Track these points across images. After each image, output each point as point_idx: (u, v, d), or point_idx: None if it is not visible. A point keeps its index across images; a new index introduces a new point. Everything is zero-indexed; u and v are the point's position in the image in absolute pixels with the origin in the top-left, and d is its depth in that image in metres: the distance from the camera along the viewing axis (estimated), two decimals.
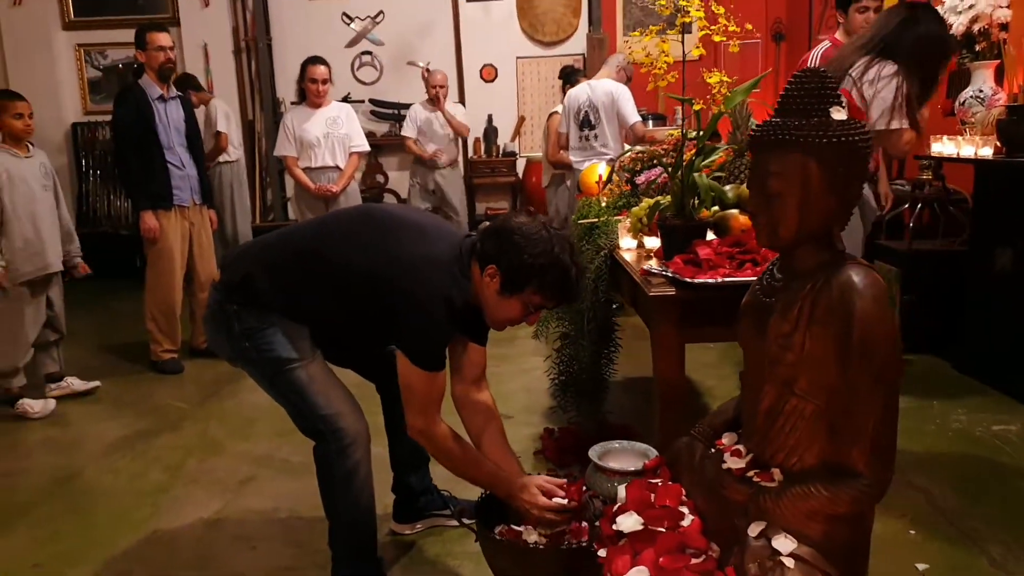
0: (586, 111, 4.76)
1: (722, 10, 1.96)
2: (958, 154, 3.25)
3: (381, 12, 7.07)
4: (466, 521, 1.93)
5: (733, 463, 1.13)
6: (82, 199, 6.87)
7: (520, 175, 7.11)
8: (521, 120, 7.19)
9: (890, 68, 2.58)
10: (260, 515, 2.55)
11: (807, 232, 1.04)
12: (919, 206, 3.99)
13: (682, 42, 2.07)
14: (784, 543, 0.99)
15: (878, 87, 2.57)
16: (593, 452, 1.61)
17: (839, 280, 1.00)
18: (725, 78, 1.98)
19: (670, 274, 1.73)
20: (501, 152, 7.14)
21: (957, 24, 3.29)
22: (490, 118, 7.09)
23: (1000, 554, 2.14)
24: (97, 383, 3.88)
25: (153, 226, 3.95)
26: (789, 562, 0.97)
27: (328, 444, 1.89)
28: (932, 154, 3.47)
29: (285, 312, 1.87)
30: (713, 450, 1.22)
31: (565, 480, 1.76)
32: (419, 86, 6.85)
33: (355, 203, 4.71)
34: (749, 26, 2.13)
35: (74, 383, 3.82)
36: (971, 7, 3.22)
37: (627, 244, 2.25)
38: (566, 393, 2.65)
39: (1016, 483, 2.57)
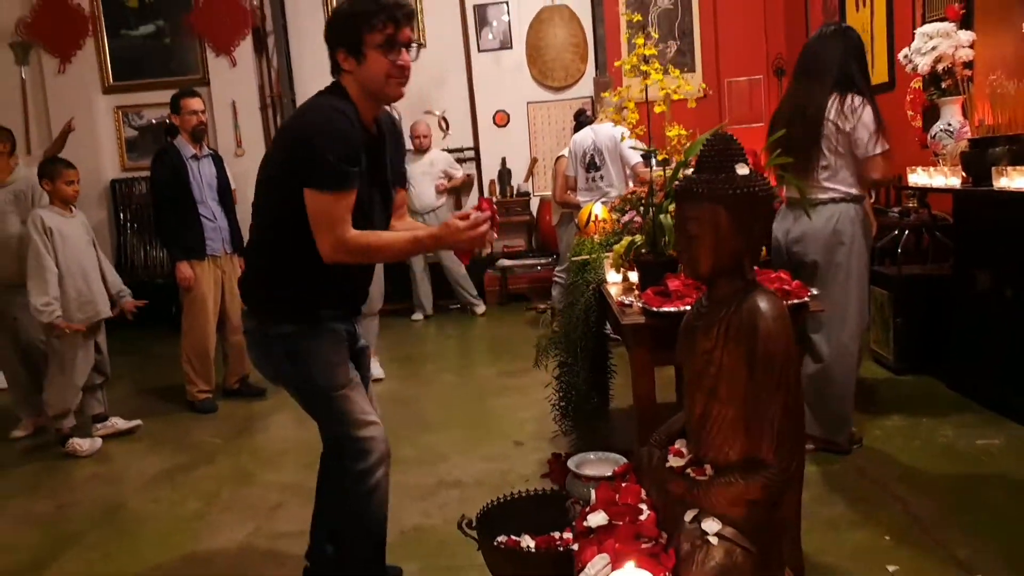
0: (591, 154, 5.03)
1: (677, 72, 2.18)
2: (931, 185, 3.46)
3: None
4: (469, 532, 2.14)
5: (675, 462, 1.35)
6: (120, 250, 7.24)
7: (534, 214, 7.38)
8: (534, 161, 7.49)
9: (857, 99, 2.86)
10: (288, 537, 2.78)
11: (721, 266, 1.27)
12: (907, 232, 4.19)
13: (646, 99, 2.29)
14: (711, 525, 1.20)
15: (854, 119, 2.85)
16: (572, 462, 1.82)
17: (748, 305, 1.22)
18: (683, 131, 2.21)
19: (641, 304, 1.96)
20: (515, 192, 7.44)
21: (922, 64, 3.52)
22: (504, 160, 7.41)
23: (967, 556, 2.30)
24: (139, 422, 4.17)
25: (188, 275, 4.26)
26: (714, 540, 1.18)
27: (353, 461, 1.99)
28: (909, 184, 3.68)
29: (297, 299, 1.96)
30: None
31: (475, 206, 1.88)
32: (437, 134, 7.22)
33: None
34: (703, 85, 2.35)
35: (118, 423, 4.11)
36: (934, 48, 3.45)
37: (613, 278, 2.49)
38: (566, 418, 2.86)
39: (993, 493, 2.71)
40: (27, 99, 7.07)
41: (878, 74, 4.83)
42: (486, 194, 7.41)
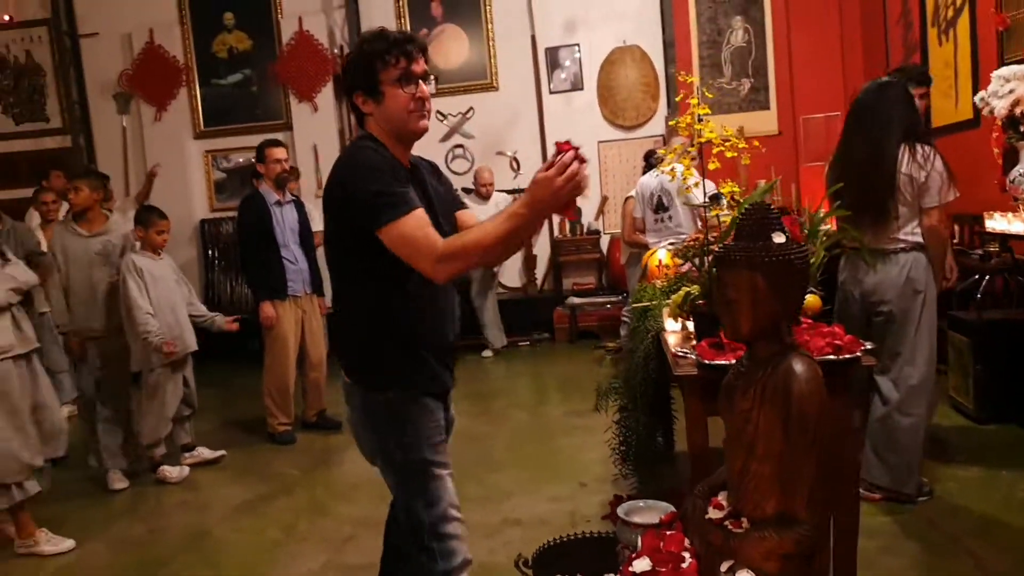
0: (659, 195, 5.08)
1: (731, 131, 2.24)
2: (1008, 230, 3.39)
3: (472, 108, 7.66)
4: (525, 570, 2.22)
5: (714, 514, 1.41)
6: (208, 287, 7.62)
7: (604, 252, 7.45)
8: (604, 200, 7.58)
9: (928, 148, 2.93)
10: (359, 568, 2.91)
11: (759, 329, 1.34)
12: (988, 277, 4.08)
13: (701, 156, 2.35)
14: (744, 575, 1.26)
15: (928, 167, 2.91)
16: (621, 510, 1.89)
17: (783, 368, 1.28)
18: (736, 188, 2.26)
19: (694, 356, 2.02)
20: (586, 230, 7.53)
21: (999, 107, 3.47)
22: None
23: None
24: (223, 452, 4.41)
25: (271, 315, 4.50)
26: None
27: (432, 560, 1.86)
28: (987, 230, 3.61)
29: (394, 360, 1.87)
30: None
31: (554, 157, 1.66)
32: (508, 174, 7.41)
33: None
34: (756, 143, 2.40)
35: (204, 452, 4.36)
36: (1011, 92, 3.40)
37: (672, 327, 2.55)
38: (627, 463, 2.91)
39: None
40: (127, 146, 7.62)
41: (962, 111, 4.75)
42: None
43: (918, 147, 2.93)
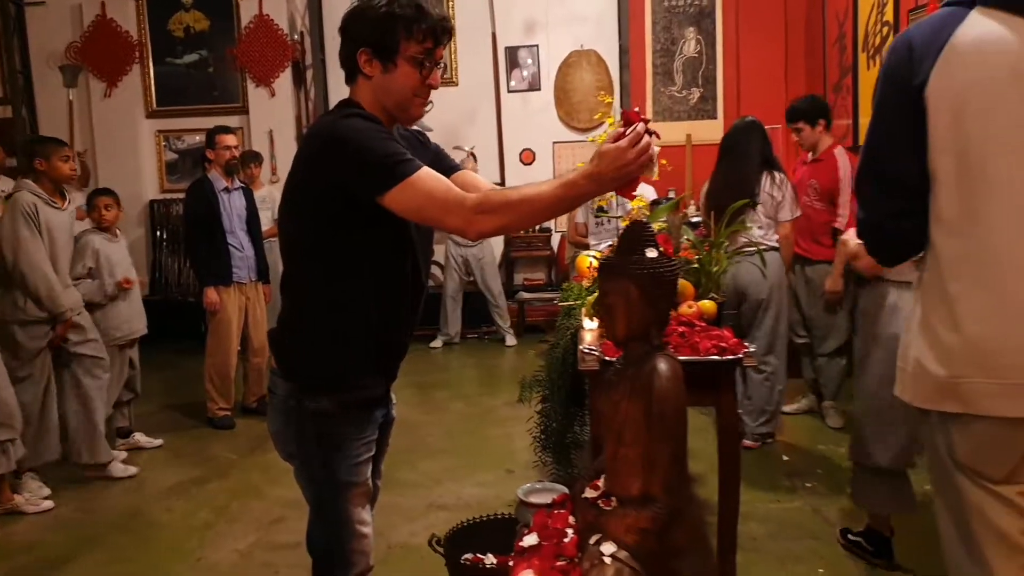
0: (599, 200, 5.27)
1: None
2: None
3: (430, 102, 7.74)
4: (438, 549, 2.36)
5: (589, 493, 1.57)
6: (156, 268, 7.56)
7: (555, 249, 7.62)
8: None
9: (781, 175, 3.81)
10: (286, 548, 3.03)
11: (632, 332, 1.49)
12: None
13: None
14: (607, 547, 1.41)
15: (784, 190, 3.80)
16: (520, 492, 2.04)
17: (649, 366, 1.44)
18: (642, 202, 2.43)
19: (598, 352, 2.19)
20: (537, 228, 7.68)
21: None
22: None
23: None
24: (160, 442, 4.41)
25: (215, 300, 4.57)
26: (608, 560, 1.40)
27: (334, 569, 1.82)
28: None
29: (338, 362, 1.72)
30: None
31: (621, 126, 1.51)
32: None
33: None
34: (663, 161, 2.57)
35: (140, 439, 4.38)
36: None
37: (589, 325, 2.70)
38: (546, 451, 3.08)
39: None
40: (73, 121, 7.49)
41: None
42: None
43: (775, 174, 3.79)
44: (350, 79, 1.72)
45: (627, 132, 1.48)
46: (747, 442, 3.81)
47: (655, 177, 1.55)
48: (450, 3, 7.62)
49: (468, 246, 6.51)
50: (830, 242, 4.10)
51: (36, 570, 3.01)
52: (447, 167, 1.83)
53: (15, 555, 3.14)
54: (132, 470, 4.00)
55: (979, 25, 1.33)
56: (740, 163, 3.79)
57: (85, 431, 3.77)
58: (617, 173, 1.49)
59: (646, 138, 1.48)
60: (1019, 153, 1.33)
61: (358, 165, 1.57)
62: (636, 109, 1.54)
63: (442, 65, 1.73)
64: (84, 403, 3.77)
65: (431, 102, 1.74)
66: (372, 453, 1.81)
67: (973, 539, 1.39)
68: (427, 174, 1.57)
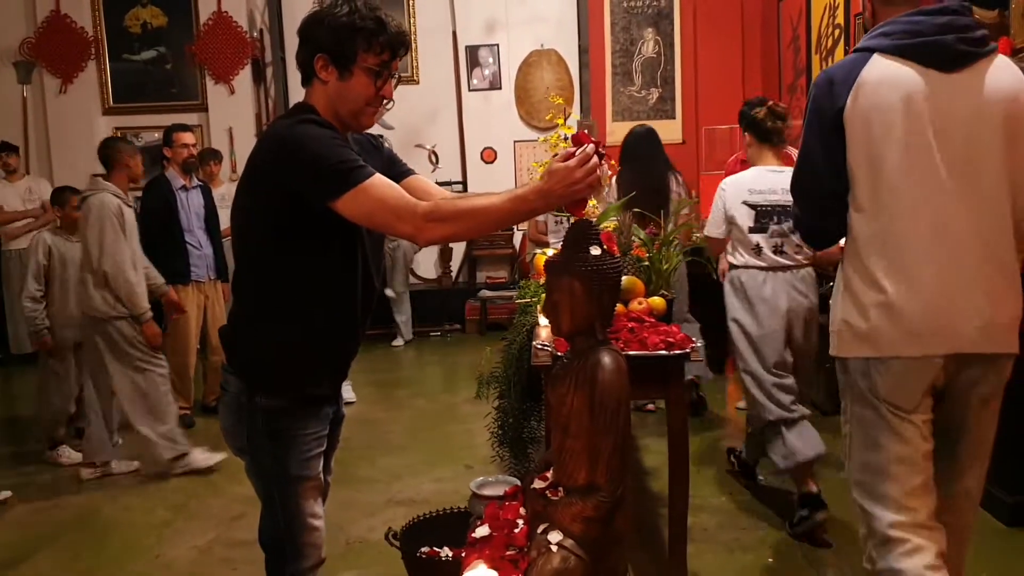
0: None
1: None
2: None
3: (391, 100, 7.75)
4: (394, 542, 2.39)
5: (538, 484, 1.63)
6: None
7: (517, 247, 7.68)
8: None
9: (681, 176, 4.33)
10: (244, 544, 3.02)
11: (577, 327, 1.56)
12: None
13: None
14: (554, 536, 1.47)
15: (685, 190, 4.30)
16: (473, 485, 2.09)
17: (593, 360, 1.50)
18: (594, 202, 2.49)
19: (551, 348, 2.25)
20: None
21: None
22: None
23: None
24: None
25: (174, 300, 4.54)
26: (555, 548, 1.46)
27: (285, 563, 1.85)
28: None
29: (290, 362, 1.73)
30: None
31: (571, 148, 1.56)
32: (427, 167, 7.52)
33: None
34: (612, 161, 2.65)
35: None
36: None
37: (544, 322, 2.76)
38: (503, 446, 3.13)
39: None
40: (28, 118, 7.35)
41: None
42: None
43: (678, 175, 4.32)
44: (306, 81, 1.76)
45: (577, 152, 1.53)
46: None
47: (605, 193, 1.62)
48: (411, 2, 7.63)
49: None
50: None
51: None
52: (400, 172, 1.88)
53: None
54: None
55: (880, 66, 1.75)
56: (651, 168, 4.20)
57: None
58: (565, 191, 1.55)
59: (594, 159, 1.53)
60: (910, 159, 1.72)
61: (312, 171, 1.60)
62: (586, 130, 1.62)
63: (397, 75, 1.78)
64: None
65: (391, 103, 1.77)
66: (323, 448, 1.85)
67: (883, 459, 1.77)
68: (380, 180, 1.61)
